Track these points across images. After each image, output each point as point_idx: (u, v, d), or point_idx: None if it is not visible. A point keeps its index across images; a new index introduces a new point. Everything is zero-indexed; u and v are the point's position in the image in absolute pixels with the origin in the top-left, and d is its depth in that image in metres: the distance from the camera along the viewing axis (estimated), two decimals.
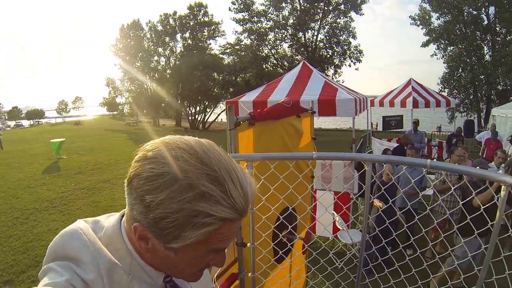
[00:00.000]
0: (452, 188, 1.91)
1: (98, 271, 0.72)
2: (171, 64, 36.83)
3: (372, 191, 5.14)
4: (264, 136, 2.23)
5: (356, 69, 33.01)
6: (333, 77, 31.31)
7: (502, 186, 1.38)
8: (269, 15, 32.04)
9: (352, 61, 32.56)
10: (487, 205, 1.84)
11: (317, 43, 32.46)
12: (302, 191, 2.30)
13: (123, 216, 0.81)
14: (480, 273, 1.60)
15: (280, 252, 2.33)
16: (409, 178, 5.24)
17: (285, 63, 33.33)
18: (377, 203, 5.08)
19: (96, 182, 11.24)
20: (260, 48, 33.09)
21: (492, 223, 1.59)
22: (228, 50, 34.69)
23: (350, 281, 2.70)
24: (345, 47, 32.30)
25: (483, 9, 25.72)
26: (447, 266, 4.39)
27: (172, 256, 0.72)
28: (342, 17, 31.84)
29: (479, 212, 1.71)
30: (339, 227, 5.63)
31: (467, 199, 3.87)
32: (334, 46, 32.41)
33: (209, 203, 0.64)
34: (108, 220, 0.83)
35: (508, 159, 6.34)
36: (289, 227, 2.30)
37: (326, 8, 31.51)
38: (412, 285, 2.09)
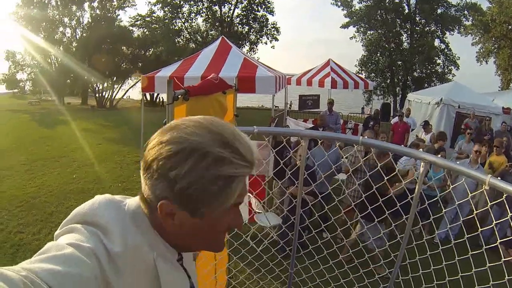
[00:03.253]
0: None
1: (125, 245, 0.73)
2: (77, 37, 33.64)
3: (286, 174, 4.99)
4: (194, 111, 2.18)
5: (272, 46, 32.83)
6: (249, 54, 30.86)
7: (422, 162, 1.66)
8: None
9: (268, 38, 32.28)
10: (388, 196, 2.27)
11: (233, 18, 31.78)
12: None
13: None
14: (403, 240, 1.87)
15: None
16: (325, 161, 5.25)
17: (199, 38, 32.08)
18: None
19: None
20: (174, 21, 31.47)
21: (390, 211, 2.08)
22: (138, 22, 32.38)
23: (269, 268, 2.68)
24: (262, 24, 31.82)
25: None
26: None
27: (199, 223, 0.76)
28: None
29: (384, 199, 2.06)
30: (256, 210, 5.56)
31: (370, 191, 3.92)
32: (251, 22, 31.83)
33: (224, 165, 0.70)
34: (127, 199, 0.85)
35: (425, 148, 6.65)
36: None
37: None
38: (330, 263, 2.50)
